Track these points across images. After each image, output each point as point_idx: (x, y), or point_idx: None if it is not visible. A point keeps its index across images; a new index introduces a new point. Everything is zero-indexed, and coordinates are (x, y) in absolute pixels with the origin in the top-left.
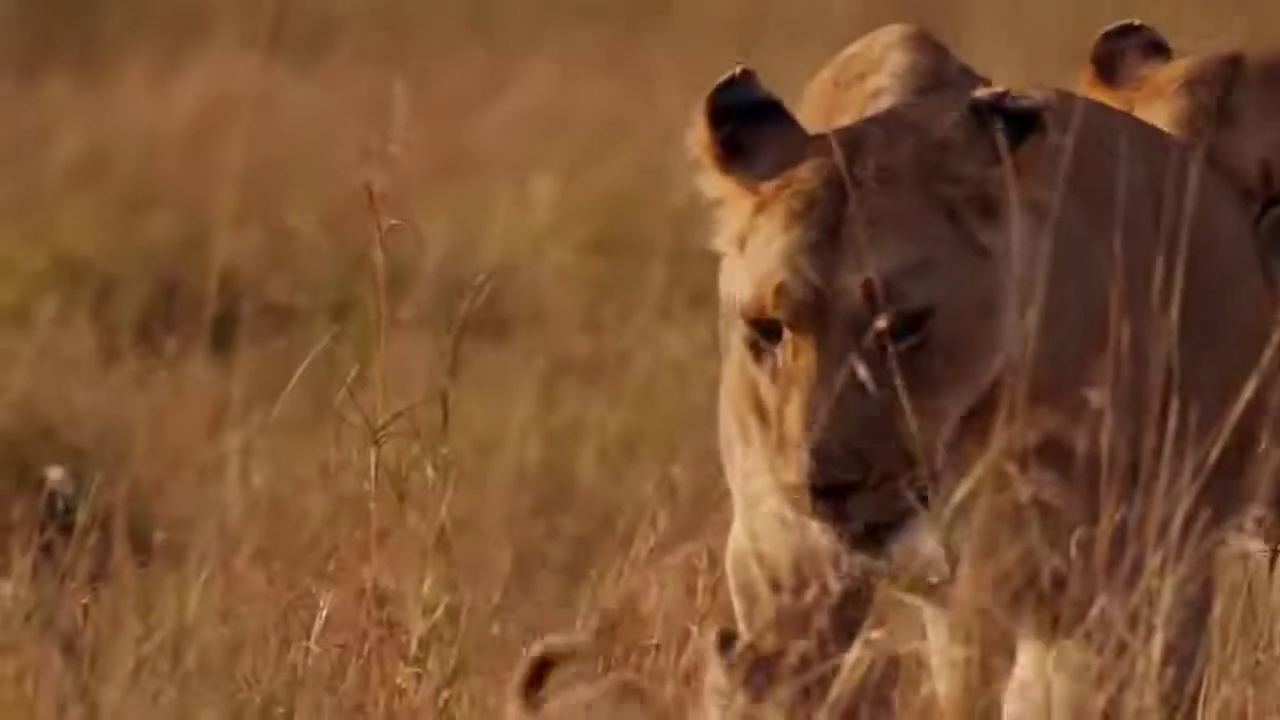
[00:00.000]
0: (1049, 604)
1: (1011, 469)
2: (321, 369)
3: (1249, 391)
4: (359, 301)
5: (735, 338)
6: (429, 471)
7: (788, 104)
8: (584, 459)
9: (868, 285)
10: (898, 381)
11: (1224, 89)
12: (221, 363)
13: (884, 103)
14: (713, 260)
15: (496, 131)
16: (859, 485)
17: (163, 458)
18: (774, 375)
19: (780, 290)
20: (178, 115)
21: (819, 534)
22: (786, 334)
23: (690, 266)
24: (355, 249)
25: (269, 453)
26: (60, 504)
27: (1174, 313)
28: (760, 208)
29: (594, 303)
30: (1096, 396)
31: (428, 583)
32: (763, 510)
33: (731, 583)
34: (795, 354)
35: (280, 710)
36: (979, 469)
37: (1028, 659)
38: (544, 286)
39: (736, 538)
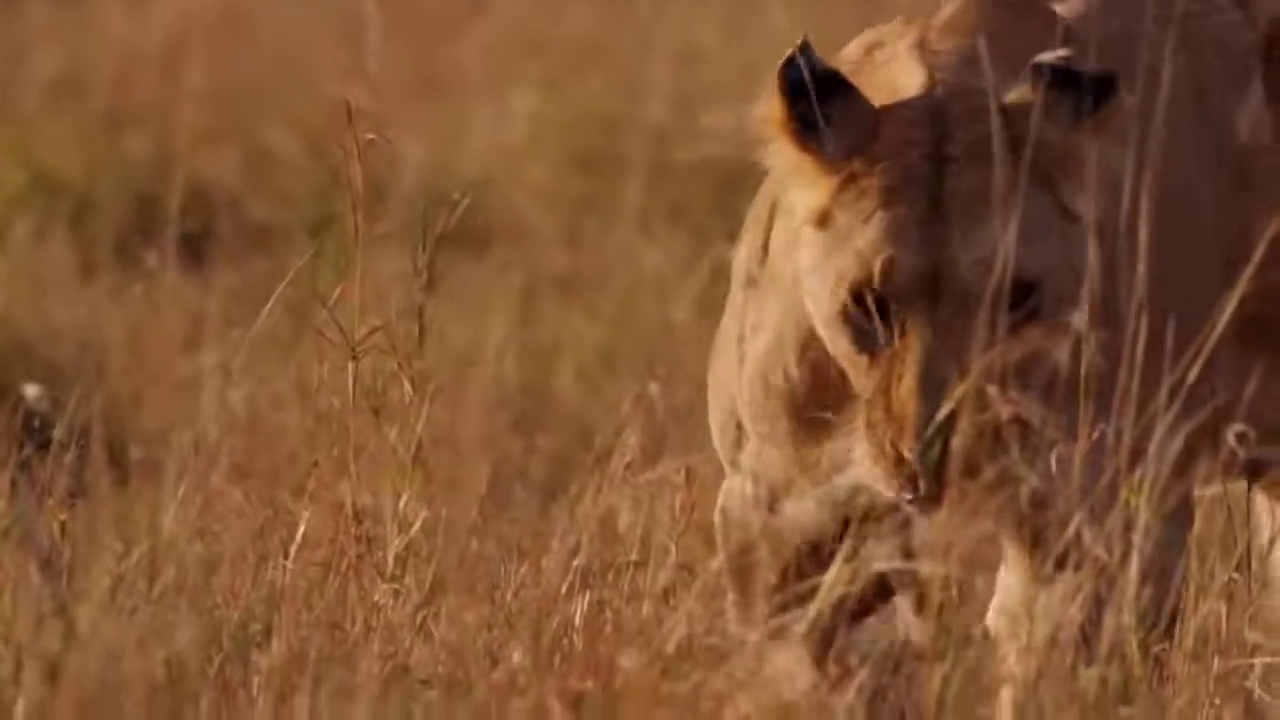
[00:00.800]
0: (1029, 524)
1: (992, 390)
2: (298, 285)
3: (1232, 306)
4: (337, 218)
5: (753, 312)
6: (406, 387)
7: None
8: (562, 375)
9: (982, 259)
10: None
11: None
12: (199, 280)
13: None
14: (691, 177)
15: (475, 47)
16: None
17: (140, 374)
18: (872, 351)
19: (891, 265)
20: (155, 33)
21: (894, 496)
22: (894, 310)
23: (668, 183)
24: (333, 166)
25: (246, 369)
26: (37, 421)
27: (1143, 231)
28: (846, 184)
29: (572, 219)
30: (1078, 319)
31: (405, 499)
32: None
33: (720, 536)
34: (903, 330)
35: (257, 627)
36: (960, 390)
37: (1015, 581)
38: (522, 203)
39: (729, 494)
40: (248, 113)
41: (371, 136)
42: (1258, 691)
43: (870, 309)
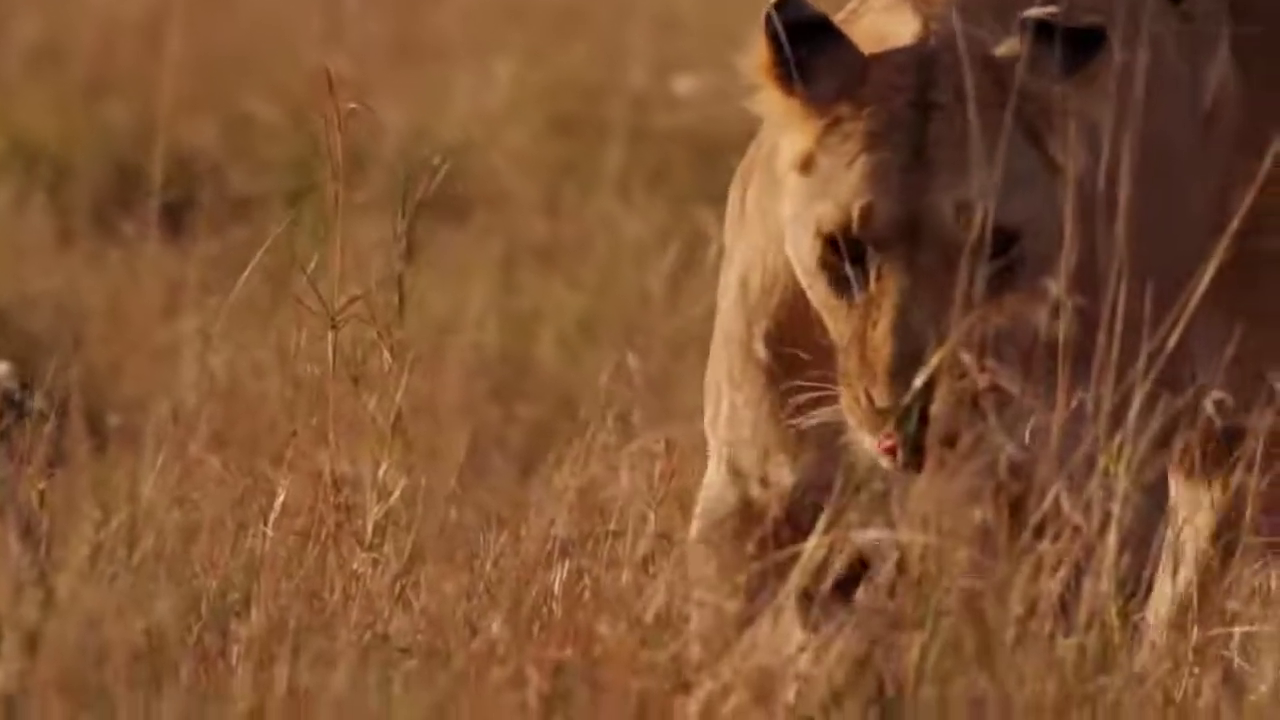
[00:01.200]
0: (1007, 492)
1: (968, 358)
2: (277, 253)
3: (1209, 273)
4: (317, 187)
5: (733, 278)
6: (386, 356)
7: None
8: (542, 343)
9: (963, 206)
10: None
11: None
12: (177, 248)
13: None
14: (670, 143)
15: (455, 13)
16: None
17: (119, 342)
18: (850, 298)
19: (870, 210)
20: (135, 1)
21: (872, 450)
22: (872, 256)
23: (648, 149)
24: (313, 135)
25: (225, 337)
26: (17, 395)
27: (1124, 198)
28: (831, 128)
29: (552, 185)
30: (1054, 285)
31: (384, 468)
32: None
33: (698, 525)
34: (880, 276)
35: (237, 596)
36: (937, 358)
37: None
38: (502, 169)
39: (711, 484)
40: (228, 81)
41: (353, 105)
42: (1237, 660)
43: (842, 255)
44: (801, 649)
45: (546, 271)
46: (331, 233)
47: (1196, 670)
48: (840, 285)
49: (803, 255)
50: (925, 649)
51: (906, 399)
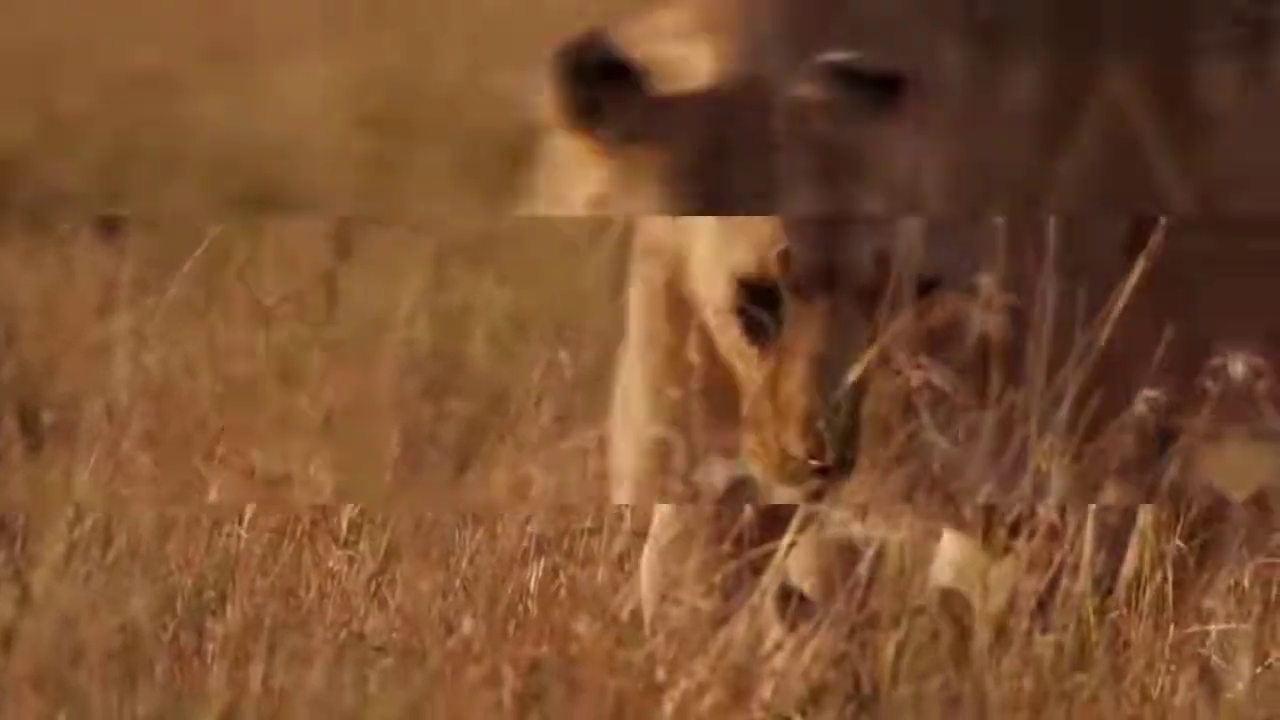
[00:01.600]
0: (940, 490)
1: (901, 356)
2: (209, 250)
3: (1136, 274)
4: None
5: (642, 301)
6: (317, 353)
7: None
8: (474, 339)
9: (881, 255)
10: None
11: None
12: (113, 245)
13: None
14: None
15: (270, 9)
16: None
17: (53, 339)
18: (762, 343)
19: (787, 256)
20: None
21: (780, 491)
22: (787, 301)
23: (464, 147)
24: (126, 131)
25: (159, 335)
26: None
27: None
28: (623, 172)
29: (366, 183)
30: (987, 284)
31: (314, 465)
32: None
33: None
34: (795, 322)
35: (212, 594)
36: (868, 355)
37: (966, 547)
38: (317, 165)
39: (657, 538)
40: (41, 76)
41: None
42: (1213, 658)
43: (758, 300)
44: (778, 646)
45: (477, 268)
46: (263, 231)
47: (1173, 668)
48: (754, 330)
49: (716, 300)
50: (901, 647)
51: (834, 399)
